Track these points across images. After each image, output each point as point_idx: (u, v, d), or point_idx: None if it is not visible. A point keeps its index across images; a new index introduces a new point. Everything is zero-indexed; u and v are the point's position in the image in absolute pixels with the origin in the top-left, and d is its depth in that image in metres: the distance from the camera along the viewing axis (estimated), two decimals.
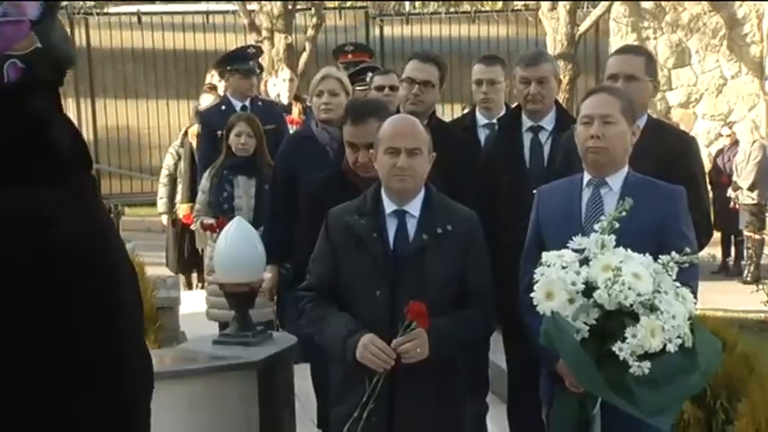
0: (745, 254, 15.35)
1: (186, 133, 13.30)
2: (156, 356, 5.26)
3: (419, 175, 4.66)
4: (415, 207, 4.68)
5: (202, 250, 10.75)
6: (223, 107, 10.38)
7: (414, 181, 4.64)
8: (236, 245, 6.12)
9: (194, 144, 11.99)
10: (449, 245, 4.61)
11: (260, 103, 10.49)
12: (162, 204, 13.30)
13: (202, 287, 11.49)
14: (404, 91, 6.98)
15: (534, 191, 5.42)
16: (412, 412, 4.55)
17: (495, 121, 7.37)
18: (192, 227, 10.74)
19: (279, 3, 22.37)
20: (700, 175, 6.06)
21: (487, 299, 4.71)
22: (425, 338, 4.38)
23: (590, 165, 4.99)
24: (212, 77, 13.71)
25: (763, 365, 6.45)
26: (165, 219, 13.43)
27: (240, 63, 10.58)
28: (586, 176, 5.04)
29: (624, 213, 4.43)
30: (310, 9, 23.50)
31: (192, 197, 11.12)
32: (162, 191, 13.34)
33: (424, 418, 4.57)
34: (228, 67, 10.97)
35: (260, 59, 11.79)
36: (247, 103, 10.18)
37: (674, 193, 4.97)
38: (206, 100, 12.99)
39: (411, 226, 4.68)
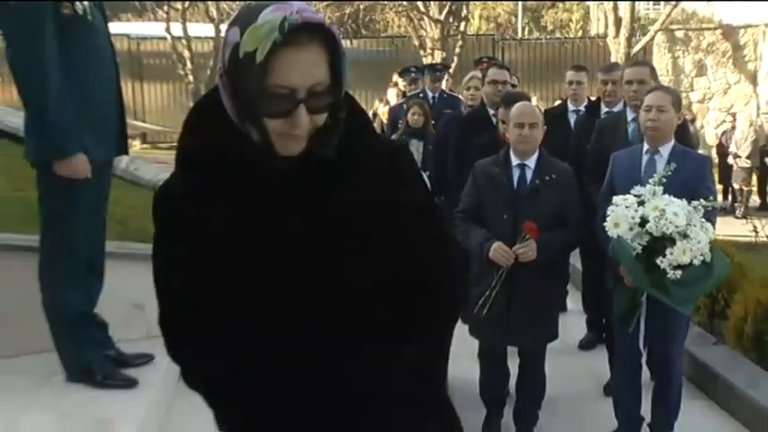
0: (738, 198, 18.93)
1: (375, 114, 14.31)
2: None
3: (536, 140, 5.17)
4: (531, 162, 5.19)
5: None
6: (421, 95, 10.70)
7: (532, 144, 5.17)
8: None
9: (384, 119, 12.92)
10: (553, 187, 5.12)
11: (444, 95, 10.83)
12: None
13: None
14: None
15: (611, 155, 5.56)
16: (524, 293, 5.09)
17: (582, 108, 7.72)
18: None
19: (437, 30, 25.20)
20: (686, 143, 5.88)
21: (577, 223, 5.20)
22: (534, 246, 4.96)
23: (648, 138, 5.29)
24: (396, 78, 13.95)
25: (750, 270, 7.10)
26: None
27: (431, 71, 11.23)
28: (645, 146, 5.31)
29: (670, 173, 4.88)
30: (458, 35, 26.97)
31: None
32: None
33: (532, 296, 5.09)
34: (413, 73, 11.98)
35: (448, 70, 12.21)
36: (437, 94, 10.73)
37: (704, 160, 5.46)
38: (390, 92, 13.87)
39: (528, 174, 5.20)
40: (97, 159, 4.54)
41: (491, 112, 6.85)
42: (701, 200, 4.79)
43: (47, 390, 4.60)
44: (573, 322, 7.21)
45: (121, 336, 4.97)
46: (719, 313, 6.93)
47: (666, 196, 4.78)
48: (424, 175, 6.23)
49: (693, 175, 5.05)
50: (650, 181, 4.89)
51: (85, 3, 4.43)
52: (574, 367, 6.51)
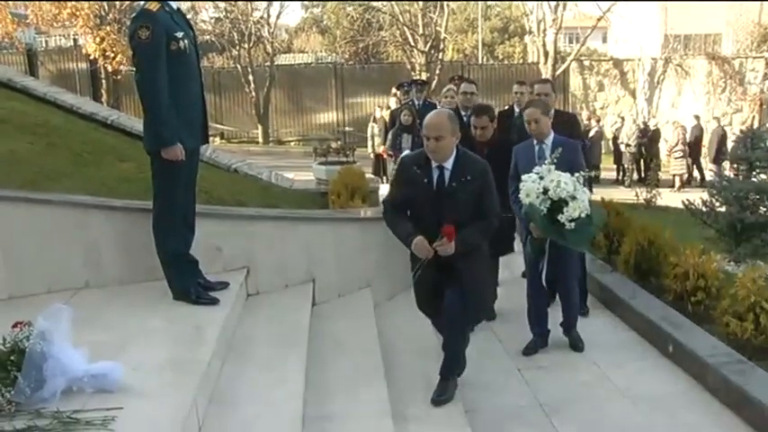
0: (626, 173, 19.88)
1: (374, 118, 14.34)
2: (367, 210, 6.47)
3: (443, 149, 4.29)
4: (449, 164, 4.32)
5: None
6: (410, 102, 10.82)
7: (441, 154, 4.31)
8: None
9: (386, 119, 12.94)
10: (470, 184, 4.31)
11: (426, 102, 10.45)
12: (370, 146, 14.13)
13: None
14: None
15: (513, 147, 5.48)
16: (450, 274, 4.36)
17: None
18: (384, 155, 12.21)
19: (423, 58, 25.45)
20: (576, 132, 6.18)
21: (492, 213, 4.41)
22: (452, 245, 4.20)
23: (535, 137, 5.32)
24: (394, 91, 13.81)
25: (634, 222, 7.01)
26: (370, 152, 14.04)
27: (417, 86, 11.12)
28: (535, 140, 5.32)
29: (558, 156, 4.91)
30: (437, 61, 27.62)
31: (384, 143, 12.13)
32: (369, 141, 14.22)
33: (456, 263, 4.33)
34: (406, 87, 12.04)
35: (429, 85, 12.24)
36: (421, 101, 10.53)
37: (576, 145, 5.36)
38: (391, 101, 13.68)
39: (446, 175, 4.35)
40: (189, 148, 4.61)
41: (463, 113, 6.86)
42: (580, 172, 4.92)
43: (161, 305, 4.65)
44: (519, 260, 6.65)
45: (207, 269, 4.97)
46: (614, 251, 7.00)
47: (557, 172, 4.85)
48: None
49: (570, 157, 5.06)
50: (545, 162, 4.94)
51: (185, 41, 4.50)
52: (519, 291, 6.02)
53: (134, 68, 4.59)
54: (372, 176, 10.45)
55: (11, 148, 5.86)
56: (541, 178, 4.86)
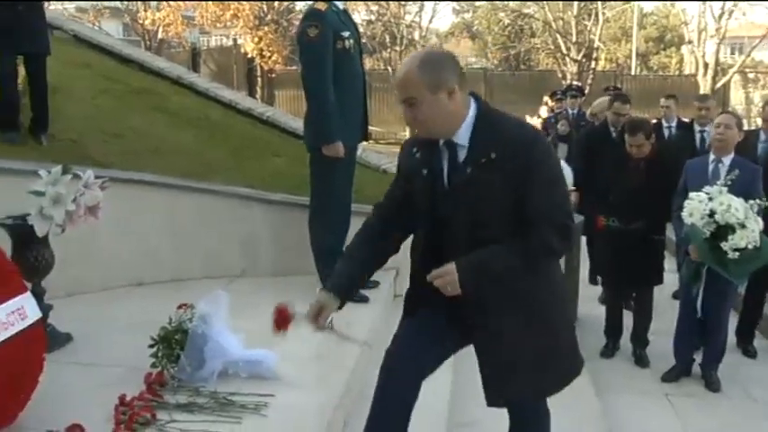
0: None
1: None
2: None
3: (432, 118, 2.42)
4: (462, 137, 2.45)
5: None
6: (564, 111, 10.64)
7: (433, 124, 2.44)
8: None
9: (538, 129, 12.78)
10: (496, 171, 2.39)
11: (580, 111, 10.31)
12: None
13: None
14: None
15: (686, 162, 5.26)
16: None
17: (672, 124, 7.59)
18: None
19: (575, 67, 24.12)
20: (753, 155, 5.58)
21: (545, 221, 2.40)
22: (453, 276, 2.39)
23: (715, 149, 5.03)
24: (546, 99, 13.26)
25: None
26: None
27: (571, 94, 10.91)
28: (712, 156, 5.05)
29: (734, 177, 4.67)
30: (589, 71, 24.94)
31: None
32: None
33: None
34: (559, 95, 11.77)
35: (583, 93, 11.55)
36: (575, 110, 10.41)
37: (756, 169, 4.97)
38: (543, 109, 13.15)
39: (461, 156, 2.47)
40: (349, 145, 4.69)
41: (611, 129, 6.68)
42: (756, 200, 4.61)
43: (312, 298, 4.59)
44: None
45: None
46: None
47: (729, 195, 4.58)
48: (569, 168, 6.11)
49: (748, 181, 4.79)
50: (718, 182, 4.69)
51: (351, 41, 4.59)
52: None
53: (301, 66, 4.72)
54: None
55: (178, 139, 6.21)
56: (710, 199, 4.59)
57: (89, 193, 3.71)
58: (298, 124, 7.84)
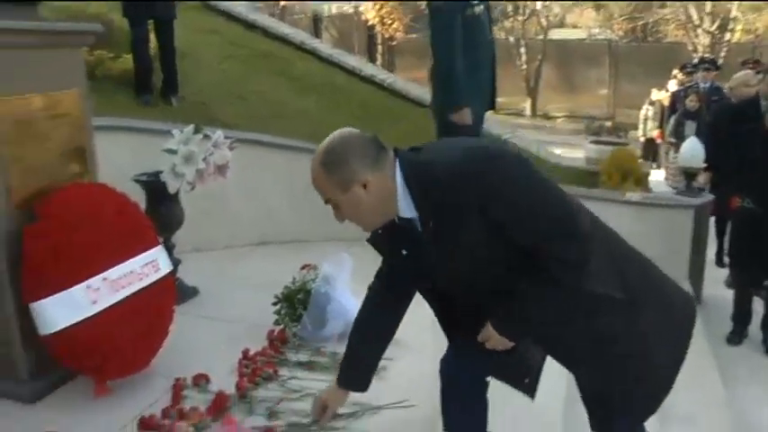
0: None
1: (650, 101, 13.09)
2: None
3: (360, 215, 2.10)
4: (408, 210, 2.06)
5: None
6: (695, 85, 10.01)
7: (364, 219, 2.12)
8: (693, 148, 6.00)
9: (664, 103, 11.91)
10: (459, 232, 1.99)
11: (713, 86, 9.64)
12: (641, 129, 13.08)
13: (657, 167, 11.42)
14: None
15: None
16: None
17: None
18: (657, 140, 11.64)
19: (708, 38, 22.55)
20: None
21: (555, 240, 1.97)
22: (497, 338, 2.15)
23: None
24: (675, 72, 12.40)
25: None
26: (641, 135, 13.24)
27: (703, 66, 10.32)
28: None
29: None
30: (723, 43, 24.37)
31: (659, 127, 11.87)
32: (641, 124, 13.09)
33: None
34: (689, 68, 11.21)
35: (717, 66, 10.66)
36: (707, 84, 9.73)
37: None
38: (671, 83, 12.36)
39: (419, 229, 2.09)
40: (476, 112, 4.64)
41: (765, 103, 6.24)
42: None
43: None
44: None
45: None
46: None
47: None
48: (700, 145, 5.79)
49: None
50: None
51: (480, 8, 4.53)
52: None
53: (430, 32, 4.69)
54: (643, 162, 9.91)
55: (301, 103, 6.33)
56: None
57: (218, 152, 3.82)
58: (418, 92, 7.87)
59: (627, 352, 2.15)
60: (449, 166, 1.97)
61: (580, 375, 2.26)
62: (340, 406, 2.54)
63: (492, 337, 2.16)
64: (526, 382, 2.41)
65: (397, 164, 2.05)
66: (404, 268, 2.26)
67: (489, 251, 2.01)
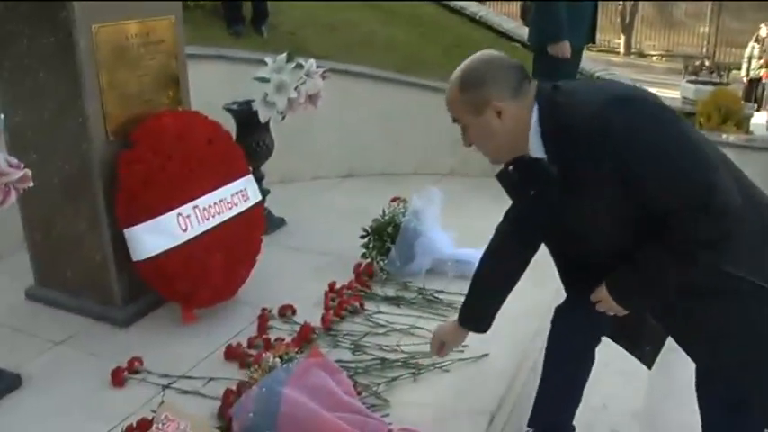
0: None
1: (757, 37, 12.53)
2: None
3: (485, 142, 2.00)
4: (538, 150, 1.94)
5: None
6: None
7: (492, 150, 2.03)
8: None
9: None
10: (586, 180, 1.84)
11: None
12: (744, 69, 12.58)
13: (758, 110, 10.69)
14: None
15: None
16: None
17: None
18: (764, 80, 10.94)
19: None
20: None
21: (687, 205, 1.76)
22: (609, 302, 2.02)
23: None
24: None
25: None
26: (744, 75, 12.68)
27: None
28: None
29: None
30: None
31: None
32: (745, 63, 12.59)
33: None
34: None
35: None
36: None
37: None
38: None
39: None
40: (576, 46, 4.52)
41: None
42: None
43: None
44: None
45: None
46: None
47: None
48: None
49: None
50: None
51: None
52: None
53: None
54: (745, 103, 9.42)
55: (391, 34, 6.18)
56: None
57: (310, 81, 3.76)
58: (510, 25, 7.60)
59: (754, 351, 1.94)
60: (584, 114, 1.80)
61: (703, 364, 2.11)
62: (459, 344, 2.52)
63: (605, 301, 2.04)
64: (647, 349, 2.28)
65: (535, 101, 1.92)
66: (531, 211, 2.13)
67: (616, 211, 1.86)
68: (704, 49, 22.44)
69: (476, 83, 1.93)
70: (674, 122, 1.82)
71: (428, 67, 5.64)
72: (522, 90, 1.93)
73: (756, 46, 12.28)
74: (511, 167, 2.07)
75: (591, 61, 8.80)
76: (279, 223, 4.13)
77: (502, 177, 2.13)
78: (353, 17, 6.42)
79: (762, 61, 11.93)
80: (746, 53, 12.67)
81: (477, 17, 7.84)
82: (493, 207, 4.44)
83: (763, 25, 12.59)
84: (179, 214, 2.90)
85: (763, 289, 1.87)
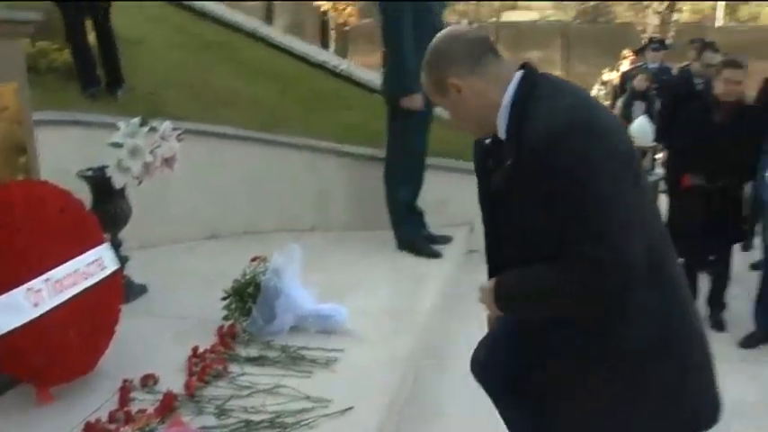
0: None
1: (602, 81, 13.45)
2: None
3: (459, 112, 1.96)
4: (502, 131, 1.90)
5: None
6: (643, 66, 9.93)
7: (466, 121, 1.98)
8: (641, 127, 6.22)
9: (614, 82, 11.62)
10: (520, 181, 1.82)
11: (662, 66, 9.76)
12: None
13: None
14: None
15: None
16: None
17: None
18: None
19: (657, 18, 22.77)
20: None
21: (574, 254, 1.74)
22: (489, 296, 1.98)
23: None
24: (626, 53, 12.35)
25: None
26: None
27: (652, 47, 10.30)
28: None
29: None
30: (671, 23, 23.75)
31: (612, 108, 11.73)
32: None
33: None
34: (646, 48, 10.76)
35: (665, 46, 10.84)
36: (656, 65, 9.75)
37: None
38: (624, 63, 12.11)
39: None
40: (427, 98, 4.60)
41: (697, 81, 6.27)
42: None
43: (385, 253, 4.76)
44: None
45: (432, 222, 5.00)
46: None
47: None
48: (649, 125, 5.85)
49: None
50: None
51: None
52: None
53: (380, 17, 4.65)
54: None
55: (252, 92, 6.22)
56: None
57: (166, 144, 3.74)
58: (371, 77, 7.79)
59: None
60: (540, 127, 1.76)
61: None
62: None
63: (484, 294, 2.01)
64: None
65: (517, 82, 1.87)
66: (481, 188, 2.06)
67: (530, 219, 1.81)
68: None
69: (434, 62, 1.94)
70: (614, 171, 1.76)
71: (291, 123, 5.72)
72: (483, 63, 1.90)
73: (602, 88, 13.00)
74: (486, 141, 2.03)
75: None
76: (140, 290, 4.04)
77: (476, 144, 2.09)
78: (215, 76, 6.42)
79: (607, 103, 12.66)
80: (593, 95, 13.45)
81: (339, 70, 8.00)
82: (354, 260, 4.59)
83: (606, 70, 13.37)
84: (29, 289, 2.77)
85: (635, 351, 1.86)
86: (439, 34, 1.96)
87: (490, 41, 1.96)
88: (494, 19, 27.55)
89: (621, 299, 1.77)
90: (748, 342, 4.88)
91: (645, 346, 1.84)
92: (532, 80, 1.88)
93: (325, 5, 24.33)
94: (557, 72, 25.17)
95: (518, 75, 1.89)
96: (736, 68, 4.90)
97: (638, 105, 8.87)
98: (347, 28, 25.26)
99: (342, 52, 23.42)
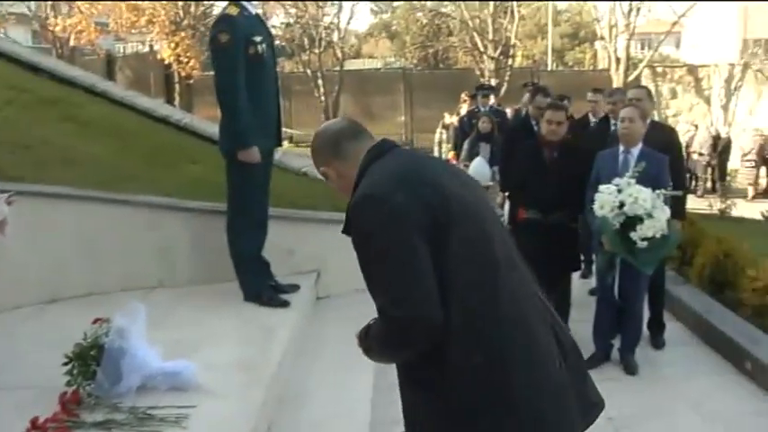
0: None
1: (443, 124, 14.13)
2: None
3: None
4: None
5: None
6: (476, 109, 10.56)
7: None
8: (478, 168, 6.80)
9: (455, 125, 12.43)
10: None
11: (492, 108, 10.33)
12: (436, 152, 13.59)
13: None
14: None
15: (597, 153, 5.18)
16: None
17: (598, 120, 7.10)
18: (452, 162, 11.93)
19: (493, 64, 24.11)
20: (677, 150, 5.73)
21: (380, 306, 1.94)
22: (360, 335, 2.13)
23: (623, 142, 5.01)
24: (464, 96, 13.09)
25: (707, 233, 6.81)
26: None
27: (481, 92, 10.96)
28: (621, 147, 5.02)
29: (640, 170, 4.67)
30: (506, 68, 25.29)
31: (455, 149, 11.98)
32: (436, 147, 14.03)
33: None
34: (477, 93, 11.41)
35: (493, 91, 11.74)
36: (486, 108, 10.21)
37: (663, 159, 4.94)
38: (463, 107, 12.87)
39: None
40: (264, 149, 4.68)
41: (534, 122, 6.60)
42: (662, 189, 4.67)
43: (232, 306, 4.72)
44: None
45: (278, 272, 5.02)
46: (686, 262, 6.68)
47: (637, 186, 4.62)
48: (486, 168, 6.16)
49: (656, 171, 4.82)
50: (626, 174, 4.72)
51: (263, 46, 4.58)
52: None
53: (213, 71, 4.68)
54: None
55: (91, 149, 6.04)
56: (620, 191, 4.65)
57: None
58: (215, 130, 7.72)
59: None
60: (357, 194, 2.04)
61: None
62: None
63: (359, 335, 2.13)
64: None
65: (360, 159, 2.12)
66: None
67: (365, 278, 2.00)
68: (403, 137, 24.29)
69: (312, 149, 2.25)
70: (409, 240, 1.90)
71: (131, 179, 5.59)
72: (343, 150, 2.16)
73: (444, 132, 13.52)
74: None
75: (298, 157, 9.16)
76: None
77: None
78: (51, 134, 6.19)
79: (449, 145, 13.18)
80: (436, 138, 13.92)
81: (182, 124, 7.90)
82: (202, 315, 4.55)
83: (446, 114, 13.95)
84: None
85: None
86: (321, 127, 2.26)
87: (351, 128, 2.22)
88: (337, 68, 28.09)
89: (438, 357, 1.90)
90: (590, 363, 5.18)
91: (468, 404, 1.91)
92: (370, 157, 2.11)
93: (168, 58, 24.01)
94: (400, 117, 25.94)
95: (367, 149, 2.13)
96: (556, 110, 5.35)
97: (484, 147, 9.26)
98: (191, 81, 25.00)
99: (186, 106, 23.18)
